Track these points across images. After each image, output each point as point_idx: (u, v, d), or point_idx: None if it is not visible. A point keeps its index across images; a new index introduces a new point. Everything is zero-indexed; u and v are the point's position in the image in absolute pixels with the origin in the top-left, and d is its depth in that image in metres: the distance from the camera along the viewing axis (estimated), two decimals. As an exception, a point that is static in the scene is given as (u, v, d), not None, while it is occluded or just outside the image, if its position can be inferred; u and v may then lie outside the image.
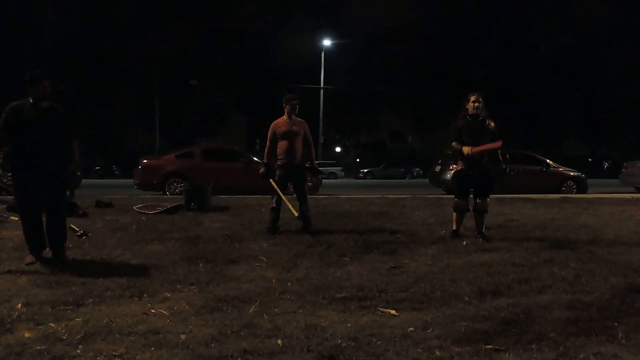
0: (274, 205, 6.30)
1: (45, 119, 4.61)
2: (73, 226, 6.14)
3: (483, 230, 5.91)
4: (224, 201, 9.93)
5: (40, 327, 3.03)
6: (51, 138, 4.63)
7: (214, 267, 4.54)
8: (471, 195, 5.98)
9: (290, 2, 39.11)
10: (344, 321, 3.16)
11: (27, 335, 2.89)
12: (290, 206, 6.18)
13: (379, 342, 2.81)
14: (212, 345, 2.77)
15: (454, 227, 6.01)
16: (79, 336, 2.86)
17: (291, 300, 3.58)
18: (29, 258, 4.65)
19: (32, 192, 4.61)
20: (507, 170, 6.09)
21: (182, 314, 3.28)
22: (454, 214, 6.02)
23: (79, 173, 5.07)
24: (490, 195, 6.04)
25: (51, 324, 3.07)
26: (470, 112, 5.76)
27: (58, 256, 4.74)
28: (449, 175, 13.83)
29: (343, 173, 37.72)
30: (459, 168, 5.94)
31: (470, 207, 5.95)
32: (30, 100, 4.62)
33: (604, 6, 34.50)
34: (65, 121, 4.79)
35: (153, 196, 11.85)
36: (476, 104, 5.73)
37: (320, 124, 38.47)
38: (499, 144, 5.71)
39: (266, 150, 6.49)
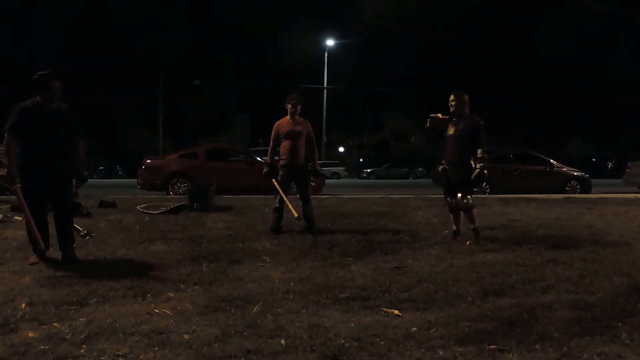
0: (277, 205, 6.30)
1: (53, 119, 4.62)
2: (77, 226, 6.15)
3: (474, 227, 5.83)
4: (227, 201, 9.94)
5: (44, 326, 3.04)
6: (59, 138, 4.65)
7: (218, 267, 4.54)
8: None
9: (294, 2, 39.19)
10: (347, 321, 3.16)
11: (31, 335, 2.91)
12: (291, 206, 6.16)
13: (382, 342, 2.81)
14: (216, 345, 2.77)
15: (454, 227, 6.02)
16: (82, 336, 2.87)
17: (294, 300, 3.58)
18: (33, 258, 4.66)
19: (39, 192, 4.63)
20: (485, 171, 5.74)
21: (185, 314, 3.29)
22: (450, 214, 6.07)
23: (85, 172, 5.10)
24: (494, 196, 6.02)
25: (55, 324, 3.08)
26: (450, 111, 5.99)
27: (68, 257, 4.75)
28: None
29: (346, 173, 37.78)
30: (440, 168, 6.14)
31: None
32: (39, 101, 4.64)
33: (608, 4, 34.40)
34: (72, 121, 4.82)
35: (156, 196, 11.86)
36: (451, 103, 5.93)
37: (324, 124, 38.60)
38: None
39: (269, 150, 6.49)
